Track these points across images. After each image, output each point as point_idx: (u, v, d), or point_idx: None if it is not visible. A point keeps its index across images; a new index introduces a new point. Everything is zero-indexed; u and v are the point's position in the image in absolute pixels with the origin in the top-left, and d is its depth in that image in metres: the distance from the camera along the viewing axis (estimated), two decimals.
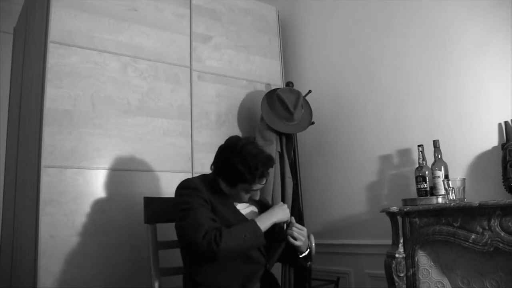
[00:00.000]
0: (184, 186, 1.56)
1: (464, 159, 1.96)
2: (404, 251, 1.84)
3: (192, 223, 1.43)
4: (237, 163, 1.50)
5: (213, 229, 1.41)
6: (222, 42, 2.55)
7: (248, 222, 1.52)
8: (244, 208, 1.68)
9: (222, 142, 2.44)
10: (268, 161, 1.54)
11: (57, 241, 1.80)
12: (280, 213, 1.57)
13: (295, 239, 1.55)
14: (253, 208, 1.71)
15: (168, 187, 2.14)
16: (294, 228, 1.57)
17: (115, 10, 2.15)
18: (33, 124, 2.03)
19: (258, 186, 1.56)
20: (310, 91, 2.54)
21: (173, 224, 1.57)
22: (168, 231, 1.95)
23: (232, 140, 1.62)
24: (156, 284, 1.66)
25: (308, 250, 1.63)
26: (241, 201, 1.63)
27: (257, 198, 1.65)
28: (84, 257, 1.85)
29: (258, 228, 1.48)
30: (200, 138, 2.32)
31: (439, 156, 1.95)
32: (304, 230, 1.58)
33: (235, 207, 1.63)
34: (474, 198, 1.83)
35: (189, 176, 2.23)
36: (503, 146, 1.80)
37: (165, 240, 1.79)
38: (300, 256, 1.61)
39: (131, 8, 2.21)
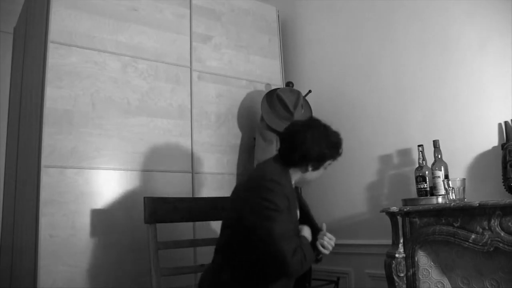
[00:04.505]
0: (271, 179, 1.45)
1: (464, 159, 1.96)
2: (404, 251, 1.84)
3: (283, 234, 1.36)
4: (326, 140, 1.55)
5: (299, 247, 1.39)
6: (222, 42, 2.55)
7: (309, 246, 1.48)
8: None
9: (222, 142, 2.44)
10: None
11: (57, 241, 1.81)
12: (308, 232, 1.55)
13: (323, 247, 1.53)
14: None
15: (168, 187, 2.14)
16: (325, 238, 1.54)
17: (115, 10, 2.15)
18: (33, 124, 2.03)
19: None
20: (310, 91, 2.54)
21: (173, 224, 1.57)
22: (168, 231, 1.95)
23: (312, 122, 1.62)
24: (156, 284, 1.66)
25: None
26: (307, 185, 1.61)
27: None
28: (84, 257, 1.85)
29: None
30: (200, 138, 2.32)
31: (439, 156, 1.95)
32: (333, 240, 1.56)
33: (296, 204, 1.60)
34: (474, 198, 1.83)
35: (189, 176, 2.23)
36: (503, 146, 1.80)
37: (165, 240, 1.79)
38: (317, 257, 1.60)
39: (131, 8, 2.21)
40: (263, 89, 2.65)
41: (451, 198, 1.76)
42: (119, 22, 2.16)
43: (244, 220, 1.44)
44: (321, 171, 1.61)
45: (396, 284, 1.82)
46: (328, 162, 1.59)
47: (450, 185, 1.77)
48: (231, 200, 1.62)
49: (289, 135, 1.58)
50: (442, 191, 1.87)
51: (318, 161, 1.55)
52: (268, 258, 1.38)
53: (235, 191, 1.64)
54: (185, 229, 2.10)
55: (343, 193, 2.50)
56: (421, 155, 2.00)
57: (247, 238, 1.43)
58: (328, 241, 1.53)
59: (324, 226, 1.60)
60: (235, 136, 2.48)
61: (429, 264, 1.84)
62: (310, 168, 1.56)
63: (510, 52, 1.86)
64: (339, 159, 2.53)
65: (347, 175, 2.50)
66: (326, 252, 1.54)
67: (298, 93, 2.40)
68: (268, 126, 2.36)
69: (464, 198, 1.76)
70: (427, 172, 1.95)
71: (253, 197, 1.44)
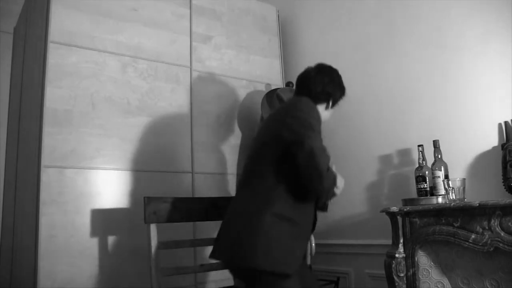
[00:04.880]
0: (307, 103, 1.57)
1: (464, 159, 1.96)
2: (404, 251, 1.84)
3: (322, 150, 1.45)
4: (340, 80, 1.74)
5: (330, 168, 1.49)
6: (222, 42, 2.55)
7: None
8: None
9: (222, 142, 2.44)
10: None
11: (57, 241, 1.80)
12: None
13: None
14: None
15: (168, 187, 2.14)
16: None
17: (115, 10, 2.15)
18: (33, 124, 2.03)
19: None
20: None
21: (173, 224, 1.57)
22: (168, 231, 1.95)
23: (327, 66, 1.76)
24: (156, 284, 1.66)
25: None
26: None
27: None
28: (84, 257, 1.85)
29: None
30: (200, 138, 2.32)
31: (439, 156, 1.95)
32: (343, 181, 1.60)
33: None
34: (474, 198, 1.83)
35: (189, 176, 2.23)
36: (503, 146, 1.80)
37: (165, 240, 1.79)
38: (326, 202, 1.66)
39: (131, 8, 2.21)
40: (263, 89, 2.65)
41: (451, 198, 1.76)
42: (119, 22, 2.16)
43: (284, 136, 1.48)
44: (331, 112, 1.74)
45: (396, 284, 1.82)
46: (339, 101, 1.75)
47: (450, 185, 1.77)
48: (263, 128, 1.66)
49: (309, 76, 1.70)
50: (442, 191, 1.87)
51: (337, 97, 1.72)
52: (308, 170, 1.42)
53: (267, 121, 1.69)
54: (185, 229, 2.10)
55: (343, 193, 2.48)
56: (421, 155, 2.00)
57: (286, 153, 1.47)
58: (340, 180, 1.58)
59: (333, 166, 1.61)
60: (235, 136, 2.48)
61: (429, 264, 1.84)
62: (330, 104, 1.70)
63: (510, 52, 1.86)
64: (339, 158, 2.54)
65: (347, 175, 2.48)
66: (338, 191, 1.57)
67: None
68: None
69: (464, 198, 1.76)
70: (427, 172, 1.95)
71: (292, 117, 1.51)
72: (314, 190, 1.49)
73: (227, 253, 1.49)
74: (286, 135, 1.48)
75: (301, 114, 1.51)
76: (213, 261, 1.66)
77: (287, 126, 1.49)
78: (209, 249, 2.11)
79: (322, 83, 1.67)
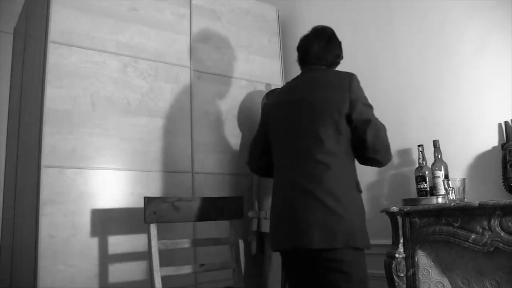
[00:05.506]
0: (359, 82, 1.66)
1: (464, 159, 1.96)
2: (404, 251, 1.84)
3: (382, 124, 1.61)
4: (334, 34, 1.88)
5: None
6: (222, 42, 2.55)
7: None
8: None
9: (222, 142, 2.44)
10: None
11: (57, 241, 1.80)
12: None
13: None
14: None
15: (168, 187, 2.14)
16: None
17: (115, 10, 2.15)
18: (33, 124, 2.03)
19: None
20: None
21: (173, 224, 1.57)
22: (168, 231, 1.95)
23: (320, 28, 1.87)
24: (156, 284, 1.66)
25: None
26: None
27: None
28: (84, 257, 1.85)
29: None
30: (200, 138, 2.32)
31: (439, 156, 1.95)
32: None
33: None
34: (474, 198, 1.83)
35: (189, 176, 2.23)
36: (503, 146, 1.80)
37: (165, 240, 1.79)
38: None
39: (131, 8, 2.21)
40: (263, 89, 2.65)
41: (451, 198, 1.76)
42: (119, 22, 2.16)
43: (351, 115, 1.55)
44: None
45: (396, 284, 1.82)
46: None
47: (450, 185, 1.77)
48: (303, 108, 1.62)
49: (317, 45, 1.77)
50: (442, 191, 1.87)
51: (340, 57, 1.85)
52: (377, 146, 1.56)
53: (307, 100, 1.63)
54: (185, 229, 2.10)
55: None
56: (421, 155, 2.00)
57: (355, 127, 1.56)
58: None
59: None
60: (235, 136, 2.48)
61: (429, 264, 1.84)
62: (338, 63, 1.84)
63: (510, 52, 1.86)
64: None
65: None
66: None
67: None
68: None
69: (464, 198, 1.76)
70: (427, 172, 1.95)
71: (355, 99, 1.58)
72: (385, 161, 1.62)
73: (309, 237, 1.46)
74: (355, 115, 1.55)
75: (360, 92, 1.62)
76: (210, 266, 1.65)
77: (352, 106, 1.56)
78: (209, 249, 2.13)
79: (334, 51, 1.79)
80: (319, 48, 1.74)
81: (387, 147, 1.60)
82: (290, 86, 1.77)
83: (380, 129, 1.58)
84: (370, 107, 1.61)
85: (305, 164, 1.54)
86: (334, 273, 1.49)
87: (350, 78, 1.62)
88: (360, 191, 1.59)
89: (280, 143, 1.67)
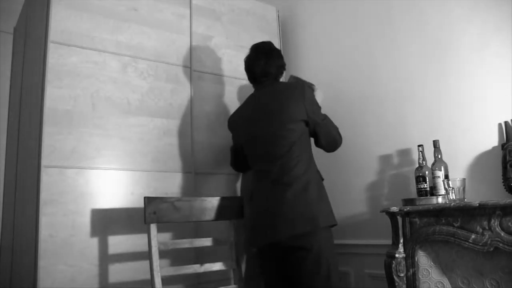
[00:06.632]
0: (307, 84, 2.00)
1: (464, 159, 1.96)
2: (404, 251, 1.85)
3: (337, 128, 1.98)
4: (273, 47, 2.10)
5: None
6: (222, 42, 2.55)
7: None
8: None
9: (222, 142, 2.44)
10: None
11: (57, 241, 1.81)
12: None
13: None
14: None
15: (168, 187, 2.14)
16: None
17: (115, 10, 2.15)
18: (33, 124, 2.03)
19: None
20: None
21: (173, 224, 1.57)
22: (168, 231, 1.95)
23: (260, 44, 2.10)
24: (156, 284, 1.66)
25: None
26: None
27: None
28: (84, 257, 1.85)
29: None
30: (200, 138, 2.32)
31: (439, 156, 1.95)
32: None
33: None
34: (474, 198, 1.83)
35: (189, 176, 2.23)
36: (503, 146, 1.80)
37: (165, 240, 1.79)
38: None
39: (131, 8, 2.21)
40: None
41: (451, 198, 1.76)
42: (119, 22, 2.16)
43: (309, 119, 1.84)
44: None
45: (396, 284, 1.82)
46: None
47: (450, 185, 1.77)
48: (266, 117, 1.88)
49: (260, 63, 1.98)
50: (442, 191, 1.87)
51: (283, 67, 2.06)
52: (330, 141, 1.95)
53: (266, 111, 1.89)
54: (185, 229, 2.10)
55: (343, 193, 2.50)
56: (421, 155, 2.00)
57: (313, 130, 1.88)
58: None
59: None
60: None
61: (429, 264, 1.84)
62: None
63: (510, 52, 1.86)
64: (339, 158, 2.55)
65: (347, 175, 2.50)
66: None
67: None
68: None
69: (464, 198, 1.76)
70: (427, 172, 1.95)
71: (310, 104, 1.86)
72: (334, 150, 2.01)
73: (288, 228, 1.69)
74: (311, 118, 1.84)
75: (312, 99, 1.88)
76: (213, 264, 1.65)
77: (308, 111, 1.83)
78: (209, 249, 2.13)
79: (275, 64, 1.98)
80: (262, 66, 1.96)
81: (336, 141, 1.96)
82: (248, 102, 2.02)
83: (330, 128, 1.92)
84: (320, 108, 1.91)
85: (273, 166, 1.80)
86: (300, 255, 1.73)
87: (301, 86, 1.88)
88: (322, 179, 1.89)
89: (250, 150, 1.95)
